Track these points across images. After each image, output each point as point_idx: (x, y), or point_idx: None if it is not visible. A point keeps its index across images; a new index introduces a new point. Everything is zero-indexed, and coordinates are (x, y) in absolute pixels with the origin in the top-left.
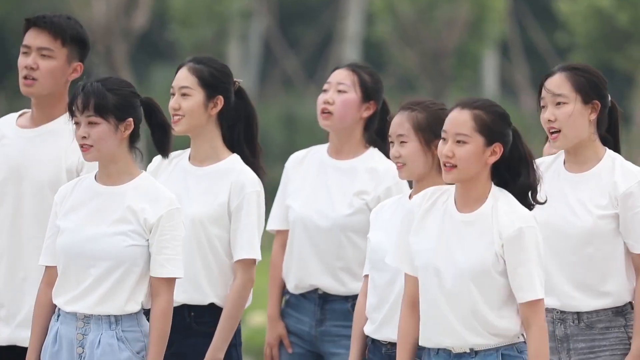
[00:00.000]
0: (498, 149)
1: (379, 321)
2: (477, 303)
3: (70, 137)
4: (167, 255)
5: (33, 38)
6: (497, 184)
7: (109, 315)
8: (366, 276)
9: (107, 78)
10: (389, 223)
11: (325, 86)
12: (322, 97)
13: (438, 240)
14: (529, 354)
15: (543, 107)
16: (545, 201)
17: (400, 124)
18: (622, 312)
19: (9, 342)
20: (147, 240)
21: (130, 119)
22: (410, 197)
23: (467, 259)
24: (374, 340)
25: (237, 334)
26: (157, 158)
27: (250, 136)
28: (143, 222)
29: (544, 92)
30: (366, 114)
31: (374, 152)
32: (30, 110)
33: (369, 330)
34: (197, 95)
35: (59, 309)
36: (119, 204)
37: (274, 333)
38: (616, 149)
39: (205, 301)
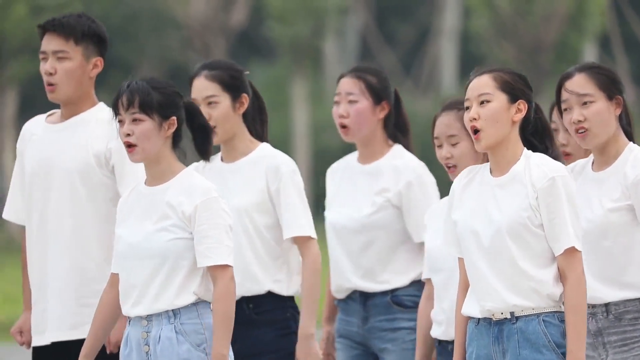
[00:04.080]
0: (523, 106)
1: (444, 323)
2: (516, 259)
3: (97, 125)
4: (207, 245)
5: (47, 43)
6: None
7: (167, 310)
8: (427, 280)
9: (151, 78)
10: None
11: (336, 98)
12: (335, 111)
13: (475, 206)
14: (565, 307)
15: (566, 109)
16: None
17: (449, 124)
18: None
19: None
20: (191, 232)
21: (174, 118)
22: None
23: (502, 215)
24: (440, 342)
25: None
26: (191, 167)
27: (264, 123)
28: (181, 215)
29: (565, 95)
30: (382, 114)
31: (396, 150)
32: (59, 110)
33: (437, 333)
34: (224, 100)
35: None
36: (160, 202)
37: (322, 335)
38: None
39: (262, 290)
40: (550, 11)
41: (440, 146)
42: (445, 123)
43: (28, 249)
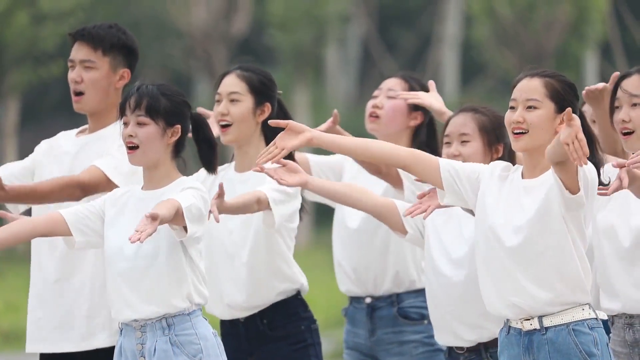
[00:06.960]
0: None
1: (442, 329)
2: (542, 257)
3: (113, 142)
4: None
5: (76, 51)
6: None
7: (161, 320)
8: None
9: (162, 84)
10: (442, 229)
11: (375, 92)
12: (371, 102)
13: (504, 207)
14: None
15: (617, 107)
16: (609, 183)
17: (463, 123)
18: None
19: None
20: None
21: (178, 126)
22: None
23: (524, 215)
24: (450, 351)
25: (315, 333)
26: (203, 170)
27: None
28: None
29: (619, 93)
30: (413, 123)
31: None
32: (87, 126)
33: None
34: (247, 101)
35: (120, 322)
36: (154, 204)
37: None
38: None
39: (269, 302)
40: (552, 19)
41: (449, 144)
42: (459, 122)
43: (34, 258)
